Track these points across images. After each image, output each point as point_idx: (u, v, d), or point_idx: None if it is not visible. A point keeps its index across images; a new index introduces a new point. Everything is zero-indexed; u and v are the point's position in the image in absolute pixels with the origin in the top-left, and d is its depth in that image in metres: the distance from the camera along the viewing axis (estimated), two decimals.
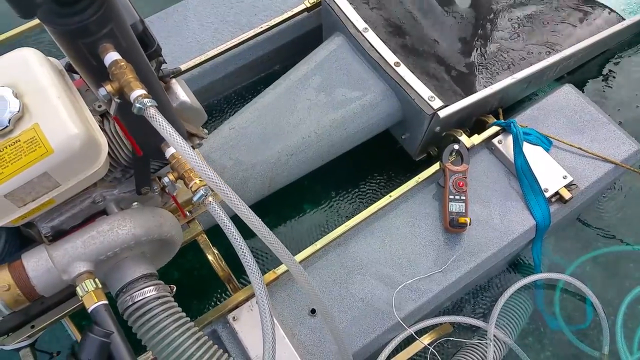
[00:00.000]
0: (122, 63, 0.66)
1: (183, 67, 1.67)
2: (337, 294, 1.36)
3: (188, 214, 1.27)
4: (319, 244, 1.40)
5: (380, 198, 1.46)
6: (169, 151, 0.92)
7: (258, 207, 1.53)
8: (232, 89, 1.92)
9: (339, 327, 1.30)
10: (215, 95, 1.90)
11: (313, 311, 1.34)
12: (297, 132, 1.52)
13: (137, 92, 0.64)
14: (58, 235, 1.04)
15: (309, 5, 1.76)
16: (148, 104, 0.64)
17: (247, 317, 1.32)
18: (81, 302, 1.08)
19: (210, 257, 1.31)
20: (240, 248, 0.85)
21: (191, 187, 0.89)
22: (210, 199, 0.88)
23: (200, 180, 0.89)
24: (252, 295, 1.34)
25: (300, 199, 1.79)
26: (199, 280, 1.65)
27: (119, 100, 0.69)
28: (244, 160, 1.49)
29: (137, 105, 0.64)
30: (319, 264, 1.40)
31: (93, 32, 0.65)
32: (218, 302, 1.58)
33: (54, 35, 0.67)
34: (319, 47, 1.67)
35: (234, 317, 1.31)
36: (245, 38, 1.74)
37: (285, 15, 1.76)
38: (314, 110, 1.54)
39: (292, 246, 1.69)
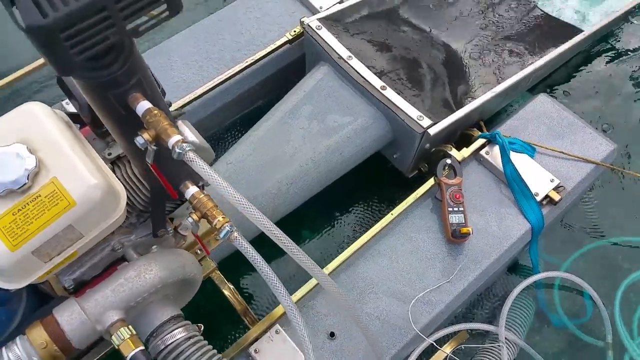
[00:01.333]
0: (156, 111, 0.69)
1: (172, 107, 1.69)
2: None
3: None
4: (330, 267, 1.43)
5: (376, 218, 1.50)
6: (189, 192, 0.94)
7: (255, 240, 1.54)
8: (220, 125, 1.95)
9: (371, 330, 1.33)
10: (204, 132, 1.89)
11: (332, 334, 1.36)
12: (294, 161, 1.56)
13: (175, 138, 0.67)
14: (79, 287, 1.04)
15: (290, 37, 1.83)
16: (187, 149, 0.67)
17: (268, 348, 1.32)
18: (105, 352, 1.07)
19: (226, 292, 1.32)
20: (269, 277, 0.88)
21: (215, 225, 0.91)
22: (236, 234, 0.91)
23: (223, 218, 0.91)
24: (270, 326, 1.35)
25: (298, 226, 1.82)
26: (207, 318, 1.64)
27: (155, 147, 0.71)
28: (244, 194, 1.50)
29: (177, 150, 0.67)
30: None
31: (122, 83, 0.68)
32: (230, 338, 1.57)
33: (83, 88, 0.69)
34: (305, 77, 1.73)
35: (255, 350, 1.32)
36: (232, 74, 1.78)
37: (269, 49, 1.82)
38: (308, 139, 1.58)
39: (298, 274, 1.70)
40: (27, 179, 0.85)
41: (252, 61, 1.81)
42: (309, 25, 1.71)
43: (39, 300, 1.07)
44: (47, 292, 1.12)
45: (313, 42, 1.70)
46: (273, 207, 1.52)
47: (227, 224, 0.89)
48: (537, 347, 1.58)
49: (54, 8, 0.50)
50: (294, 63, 1.91)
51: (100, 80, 0.64)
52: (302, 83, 1.71)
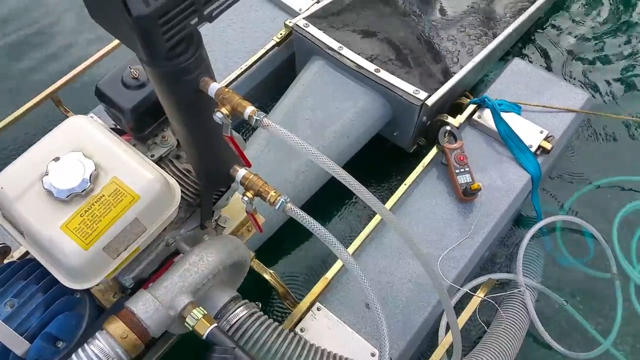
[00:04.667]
0: (227, 89, 0.76)
1: None
2: (385, 281, 1.48)
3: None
4: (355, 243, 1.51)
5: (384, 195, 1.58)
6: (240, 174, 1.01)
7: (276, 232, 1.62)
8: None
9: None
10: None
11: (367, 305, 1.44)
12: None
13: (250, 108, 0.75)
14: (138, 285, 1.09)
15: (278, 40, 1.92)
16: (262, 116, 0.75)
17: (312, 325, 1.39)
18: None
19: (267, 277, 1.38)
20: (327, 237, 0.95)
21: (269, 199, 0.99)
22: (289, 204, 0.99)
23: (275, 192, 0.99)
24: (311, 306, 1.42)
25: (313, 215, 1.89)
26: None
27: (231, 121, 0.79)
28: None
29: (255, 117, 0.75)
30: (360, 260, 1.51)
31: (195, 69, 0.75)
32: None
33: (159, 78, 0.76)
34: (301, 72, 1.82)
35: (301, 329, 1.38)
36: (228, 81, 1.86)
37: (260, 53, 1.91)
38: (315, 127, 1.67)
39: (325, 254, 1.77)
40: (89, 181, 0.91)
41: (245, 67, 1.89)
42: (297, 25, 1.81)
43: (98, 310, 1.11)
44: (100, 304, 1.16)
45: (303, 39, 1.79)
46: (293, 196, 1.59)
47: (280, 196, 0.97)
48: (553, 288, 1.70)
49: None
50: (283, 64, 2.00)
51: (179, 66, 0.71)
52: (299, 78, 1.80)
